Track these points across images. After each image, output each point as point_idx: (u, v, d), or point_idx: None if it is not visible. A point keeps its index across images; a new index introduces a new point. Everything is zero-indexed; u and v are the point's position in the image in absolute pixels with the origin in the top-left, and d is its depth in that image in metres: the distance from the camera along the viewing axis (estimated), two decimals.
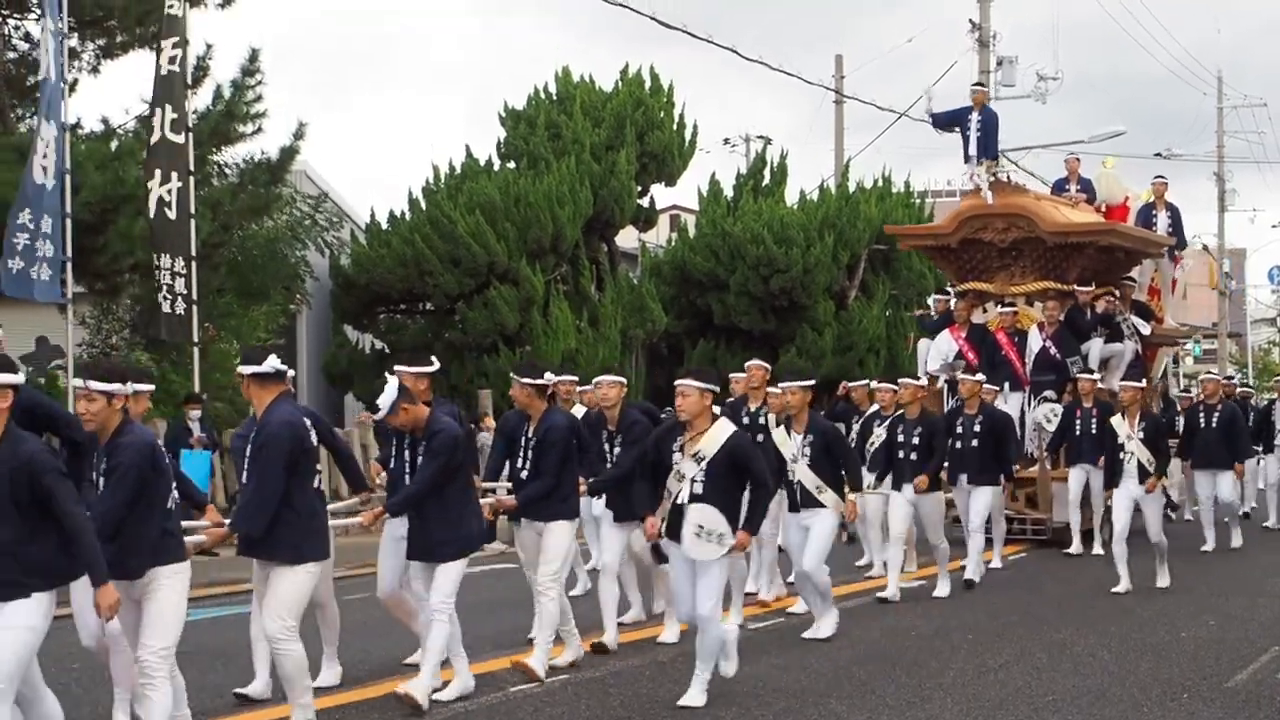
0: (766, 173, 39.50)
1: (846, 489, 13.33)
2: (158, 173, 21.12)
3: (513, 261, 32.20)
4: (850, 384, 19.80)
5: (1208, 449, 20.63)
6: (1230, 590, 16.87)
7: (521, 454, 11.63)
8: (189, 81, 22.27)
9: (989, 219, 22.10)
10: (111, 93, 71.57)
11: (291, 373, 10.27)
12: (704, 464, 10.37)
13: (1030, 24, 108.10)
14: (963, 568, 17.09)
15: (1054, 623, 14.28)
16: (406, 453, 10.58)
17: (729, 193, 38.54)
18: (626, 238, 39.03)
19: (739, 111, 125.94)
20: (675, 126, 37.09)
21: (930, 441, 15.87)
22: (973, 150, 22.24)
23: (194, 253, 21.59)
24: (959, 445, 17.33)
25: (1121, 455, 16.48)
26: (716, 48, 30.75)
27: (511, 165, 35.13)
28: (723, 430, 10.56)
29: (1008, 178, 22.61)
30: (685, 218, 45.06)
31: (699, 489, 10.40)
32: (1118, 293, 23.07)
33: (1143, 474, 16.28)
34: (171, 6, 21.45)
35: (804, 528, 13.15)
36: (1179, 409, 24.14)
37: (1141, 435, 16.34)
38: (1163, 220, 24.41)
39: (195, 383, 22.07)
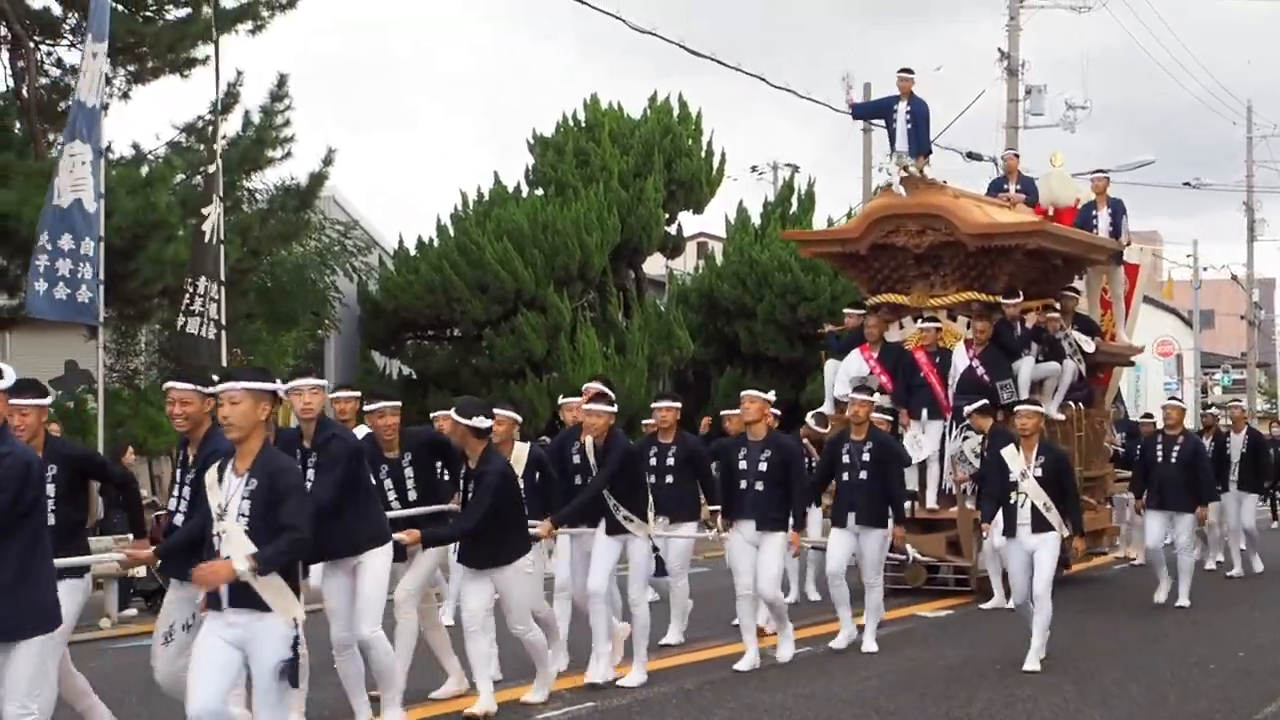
0: (794, 200, 39.53)
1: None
2: (215, 198, 21.48)
3: (540, 288, 32.26)
4: (726, 411, 16.85)
5: (1163, 487, 17.63)
6: (1257, 622, 16.77)
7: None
8: (220, 108, 22.45)
9: (901, 220, 19.25)
10: (142, 118, 72.00)
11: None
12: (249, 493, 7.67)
13: (1059, 53, 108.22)
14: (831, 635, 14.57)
15: (1081, 653, 14.21)
16: None
17: (756, 220, 38.57)
18: (654, 265, 39.09)
19: (766, 139, 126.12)
20: (703, 154, 37.15)
21: (784, 470, 12.96)
22: (900, 144, 19.57)
23: (223, 278, 21.71)
24: (845, 477, 14.32)
25: (1013, 497, 13.39)
26: (744, 75, 30.73)
27: (540, 192, 35.23)
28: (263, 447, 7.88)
29: (920, 172, 19.38)
30: (713, 245, 45.12)
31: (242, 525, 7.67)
32: (1057, 305, 20.19)
33: (1037, 521, 13.27)
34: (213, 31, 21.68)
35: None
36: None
37: (1039, 473, 13.32)
38: (1103, 220, 21.30)
39: None
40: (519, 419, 12.06)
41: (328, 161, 26.83)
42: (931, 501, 17.98)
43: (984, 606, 17.22)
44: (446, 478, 11.51)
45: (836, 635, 14.34)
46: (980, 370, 18.51)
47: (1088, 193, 22.06)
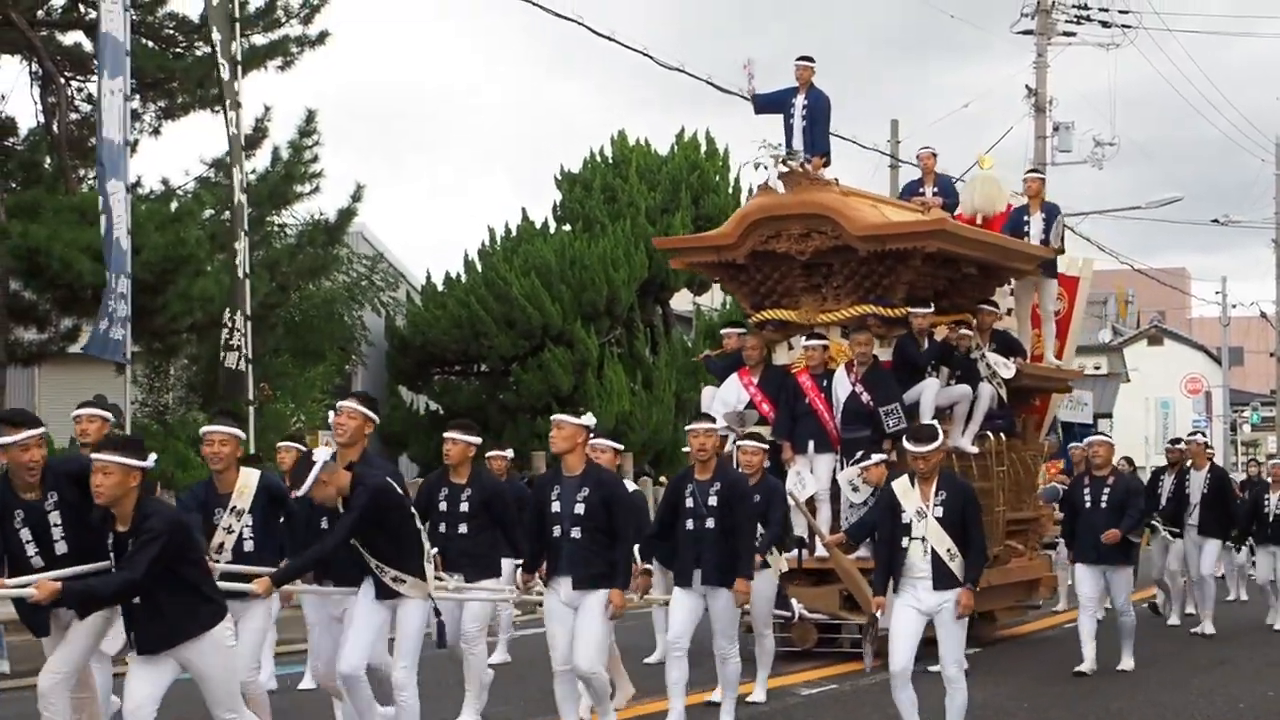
0: None
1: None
2: (242, 233, 21.61)
3: (567, 324, 32.31)
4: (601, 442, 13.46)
5: (1093, 536, 15.14)
6: None
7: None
8: (244, 144, 22.56)
9: (782, 223, 16.53)
10: (172, 154, 72.48)
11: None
12: None
13: (1087, 90, 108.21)
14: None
15: (1109, 692, 14.13)
16: None
17: None
18: (681, 301, 39.10)
19: None
20: (730, 190, 37.17)
21: (605, 511, 10.41)
22: (796, 142, 17.07)
23: (249, 312, 21.80)
24: (690, 526, 11.44)
25: (905, 542, 10.64)
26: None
27: (567, 228, 35.30)
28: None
29: (801, 166, 16.58)
30: None
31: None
32: (973, 321, 17.44)
33: (940, 574, 10.57)
34: (223, 70, 21.75)
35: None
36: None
37: (941, 512, 10.59)
38: (1036, 226, 18.60)
39: (251, 444, 22.17)
40: (242, 435, 10.42)
41: (356, 197, 26.96)
42: (821, 549, 15.26)
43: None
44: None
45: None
46: (865, 396, 15.86)
47: (1021, 198, 19.26)
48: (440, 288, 33.82)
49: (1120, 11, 38.64)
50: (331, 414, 10.05)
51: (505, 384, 32.98)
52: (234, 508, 10.12)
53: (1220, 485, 18.84)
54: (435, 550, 10.96)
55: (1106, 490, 15.20)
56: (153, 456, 8.47)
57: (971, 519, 10.69)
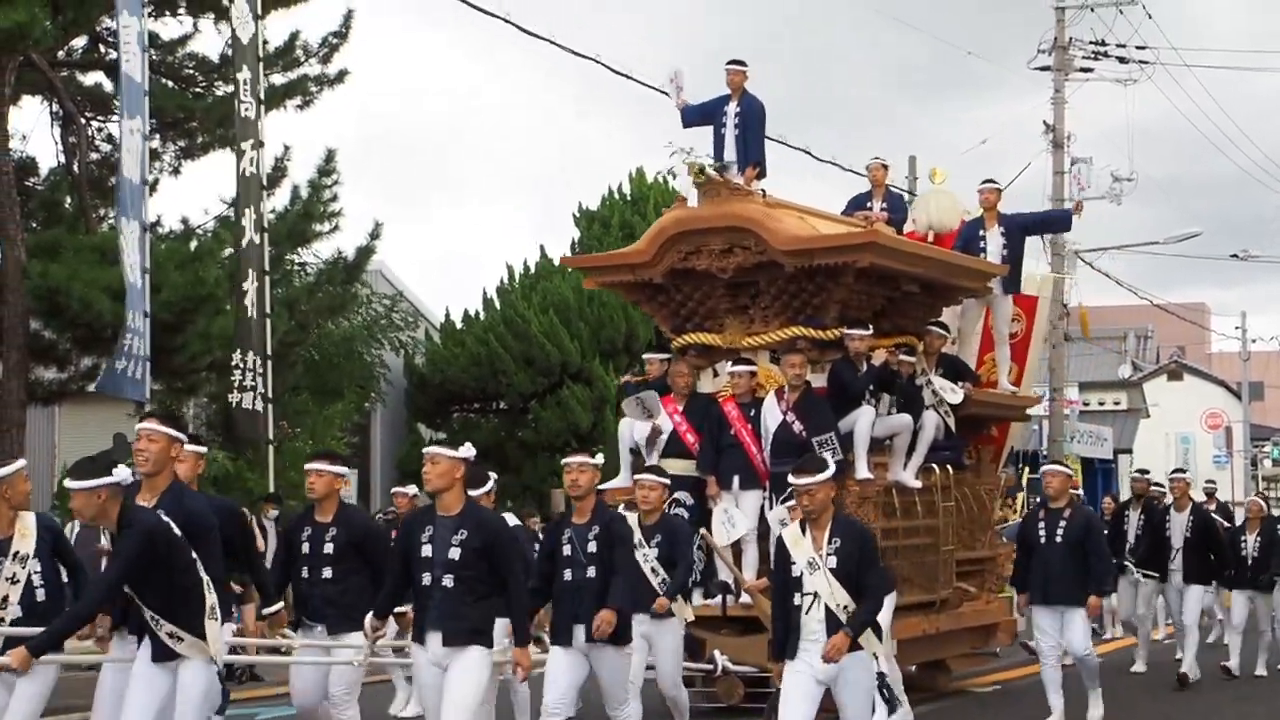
0: None
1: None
2: (251, 273, 21.60)
3: (586, 361, 32.32)
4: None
5: (1048, 575, 13.76)
6: None
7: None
8: (264, 183, 22.62)
9: (702, 238, 15.00)
10: (192, 193, 72.84)
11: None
12: None
13: (1105, 126, 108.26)
14: None
15: None
16: None
17: None
18: None
19: None
20: None
21: (483, 557, 9.13)
22: (729, 153, 15.60)
23: (269, 351, 21.85)
24: (569, 576, 10.29)
25: (797, 599, 9.25)
26: (789, 148, 30.69)
27: None
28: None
29: (722, 175, 15.15)
30: None
31: None
32: (919, 344, 15.88)
33: (835, 633, 9.09)
34: (246, 109, 21.82)
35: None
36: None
37: (834, 563, 9.19)
38: (994, 241, 17.11)
39: (270, 482, 22.26)
40: (20, 465, 9.51)
41: (375, 235, 27.03)
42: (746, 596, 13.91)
43: None
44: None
45: None
46: (797, 426, 14.25)
47: (976, 211, 17.72)
48: (459, 325, 33.89)
49: (1137, 47, 38.59)
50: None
51: (524, 421, 33.00)
52: (16, 553, 9.04)
53: (1204, 528, 17.95)
54: (280, 606, 10.22)
55: (1062, 524, 13.77)
56: None
57: (867, 563, 9.26)
